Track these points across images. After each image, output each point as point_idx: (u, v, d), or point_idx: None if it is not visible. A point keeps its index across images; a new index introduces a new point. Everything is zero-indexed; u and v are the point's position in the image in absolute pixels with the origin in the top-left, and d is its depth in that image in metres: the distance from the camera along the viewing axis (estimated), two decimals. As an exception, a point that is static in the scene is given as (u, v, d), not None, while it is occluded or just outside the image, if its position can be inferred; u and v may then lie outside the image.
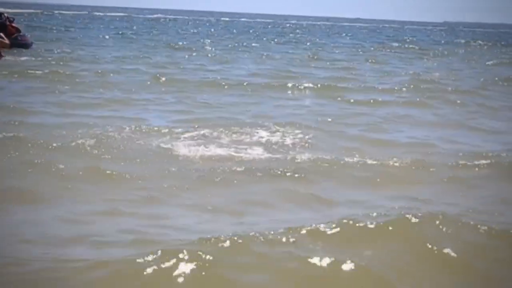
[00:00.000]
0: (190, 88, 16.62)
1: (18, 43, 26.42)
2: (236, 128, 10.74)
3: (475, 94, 17.29)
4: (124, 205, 6.56)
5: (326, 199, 7.00)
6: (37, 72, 18.13)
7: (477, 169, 8.36)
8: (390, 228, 5.49)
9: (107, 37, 39.61)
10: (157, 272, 4.65)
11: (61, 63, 21.53)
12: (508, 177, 8.06)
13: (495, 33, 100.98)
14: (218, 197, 7.00)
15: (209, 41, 41.25)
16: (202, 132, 10.33)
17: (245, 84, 17.74)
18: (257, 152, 9.07)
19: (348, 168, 8.19)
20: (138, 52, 28.28)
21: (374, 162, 8.46)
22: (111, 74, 18.96)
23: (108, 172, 7.66)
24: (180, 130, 10.39)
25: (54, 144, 8.84)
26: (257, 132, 10.53)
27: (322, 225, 5.47)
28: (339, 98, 15.79)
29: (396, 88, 18.17)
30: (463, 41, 59.09)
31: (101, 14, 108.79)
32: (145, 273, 4.63)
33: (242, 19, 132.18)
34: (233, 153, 8.92)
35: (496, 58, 33.55)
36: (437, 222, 5.59)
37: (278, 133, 10.53)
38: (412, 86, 18.62)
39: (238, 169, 8.10)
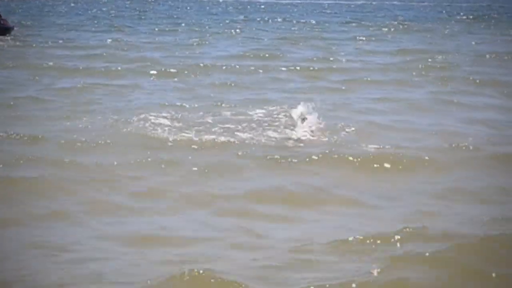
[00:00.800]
0: (176, 71, 16.38)
1: (1, 26, 26.14)
2: (226, 112, 10.62)
3: (462, 71, 17.19)
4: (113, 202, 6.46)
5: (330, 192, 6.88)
6: (19, 60, 17.88)
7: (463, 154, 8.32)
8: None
9: (87, 21, 39.04)
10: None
11: (44, 49, 21.24)
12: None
13: (477, 7, 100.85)
14: (215, 190, 6.83)
15: (189, 22, 40.79)
16: (191, 117, 10.14)
17: (230, 66, 17.59)
18: (252, 136, 8.94)
19: (348, 155, 8.01)
20: (119, 35, 27.94)
21: (377, 148, 8.33)
22: (94, 60, 18.75)
23: (93, 163, 7.57)
24: (170, 116, 10.13)
25: (43, 135, 8.75)
26: (248, 115, 10.41)
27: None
28: (324, 78, 15.71)
29: (383, 67, 18.11)
30: (446, 16, 58.93)
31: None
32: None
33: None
34: (226, 139, 8.77)
35: (480, 33, 33.55)
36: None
37: (266, 116, 10.39)
38: (398, 65, 18.56)
39: (234, 156, 8.01)
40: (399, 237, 5.39)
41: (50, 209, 6.18)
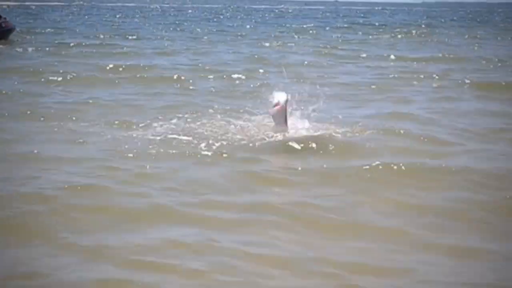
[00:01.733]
0: (174, 77, 16.31)
1: (3, 29, 26.37)
2: (222, 118, 10.50)
3: (459, 77, 17.04)
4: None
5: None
6: (25, 67, 17.85)
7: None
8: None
9: (85, 28, 39.09)
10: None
11: (40, 58, 21.25)
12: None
13: (477, 11, 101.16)
14: (207, 202, 6.64)
15: (189, 28, 40.80)
16: (186, 124, 10.01)
17: (227, 72, 17.55)
18: (244, 144, 8.83)
19: (337, 168, 7.84)
20: (118, 42, 27.99)
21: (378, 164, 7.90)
22: (90, 66, 18.73)
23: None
24: (166, 124, 9.98)
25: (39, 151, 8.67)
26: (243, 122, 10.29)
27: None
28: (316, 83, 15.55)
29: (378, 72, 18.05)
30: (446, 20, 59.07)
31: (60, 4, 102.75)
32: None
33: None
34: (219, 149, 8.55)
35: (481, 38, 33.66)
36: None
37: (260, 123, 10.28)
38: (393, 71, 18.50)
39: (224, 166, 7.90)
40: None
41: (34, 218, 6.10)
